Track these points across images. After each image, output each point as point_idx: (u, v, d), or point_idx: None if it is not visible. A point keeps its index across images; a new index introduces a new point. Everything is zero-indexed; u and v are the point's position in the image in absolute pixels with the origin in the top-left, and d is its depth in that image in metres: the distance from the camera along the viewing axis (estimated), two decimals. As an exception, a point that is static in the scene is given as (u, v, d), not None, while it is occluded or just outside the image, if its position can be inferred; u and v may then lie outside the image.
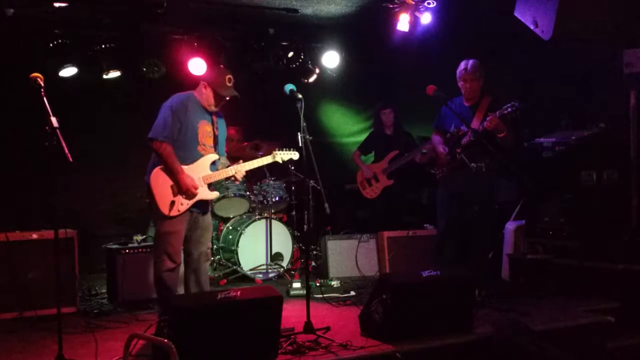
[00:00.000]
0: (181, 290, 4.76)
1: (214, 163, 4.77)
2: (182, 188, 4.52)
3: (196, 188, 4.58)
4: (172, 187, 4.53)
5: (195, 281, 4.73)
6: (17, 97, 5.83)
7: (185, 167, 4.56)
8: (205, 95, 4.71)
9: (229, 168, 4.80)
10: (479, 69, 5.39)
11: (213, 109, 4.76)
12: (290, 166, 6.91)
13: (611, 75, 5.76)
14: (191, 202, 4.60)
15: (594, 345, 4.46)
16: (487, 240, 5.47)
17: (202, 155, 4.68)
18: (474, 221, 5.28)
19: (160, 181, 4.52)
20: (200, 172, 4.66)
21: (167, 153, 4.49)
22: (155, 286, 4.66)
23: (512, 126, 5.22)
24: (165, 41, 6.86)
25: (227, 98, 4.74)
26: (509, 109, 5.04)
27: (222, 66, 5.00)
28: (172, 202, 4.51)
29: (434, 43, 6.85)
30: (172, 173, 4.51)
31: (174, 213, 4.52)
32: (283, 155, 5.05)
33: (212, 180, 4.72)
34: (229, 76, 4.73)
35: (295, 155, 5.05)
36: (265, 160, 5.01)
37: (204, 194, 4.67)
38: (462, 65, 5.44)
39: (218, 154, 4.81)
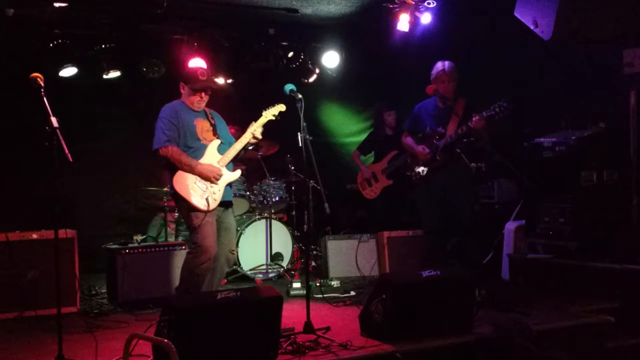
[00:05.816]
0: None
1: (220, 146, 4.77)
2: (205, 176, 4.56)
3: (218, 170, 4.62)
4: (196, 183, 4.56)
5: (209, 279, 4.71)
6: (17, 97, 5.84)
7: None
8: (187, 96, 4.74)
9: (243, 136, 4.76)
10: (456, 70, 5.42)
11: (196, 107, 4.75)
12: (290, 166, 6.93)
13: (611, 75, 5.76)
14: (221, 187, 4.65)
15: (594, 345, 4.45)
16: (476, 238, 5.46)
17: (207, 147, 4.72)
18: (461, 220, 5.30)
19: (184, 183, 4.55)
20: (213, 158, 4.71)
21: (175, 152, 4.54)
22: (184, 282, 4.59)
23: (491, 126, 5.21)
24: (165, 41, 6.86)
25: (206, 92, 4.70)
26: (496, 109, 5.00)
27: (196, 60, 4.93)
28: (206, 197, 4.55)
29: (434, 43, 6.85)
30: (190, 167, 4.55)
31: (212, 205, 4.56)
32: (273, 111, 4.85)
33: (227, 159, 4.75)
34: (202, 70, 4.75)
35: (282, 108, 4.84)
36: (263, 120, 4.81)
37: (228, 175, 4.73)
38: (440, 66, 5.43)
39: (220, 139, 4.79)
